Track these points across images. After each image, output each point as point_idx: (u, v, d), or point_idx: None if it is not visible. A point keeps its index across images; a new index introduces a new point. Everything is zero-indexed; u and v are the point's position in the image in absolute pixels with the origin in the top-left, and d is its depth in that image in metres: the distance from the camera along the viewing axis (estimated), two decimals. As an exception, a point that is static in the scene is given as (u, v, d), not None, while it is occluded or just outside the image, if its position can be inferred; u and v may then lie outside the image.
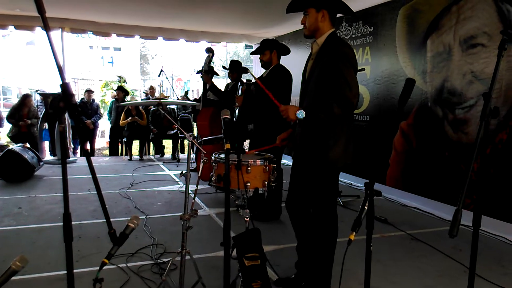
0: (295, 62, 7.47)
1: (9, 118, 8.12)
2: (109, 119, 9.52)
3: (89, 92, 9.48)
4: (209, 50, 5.73)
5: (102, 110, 9.67)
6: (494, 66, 1.66)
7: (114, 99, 9.60)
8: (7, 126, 8.59)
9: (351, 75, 2.37)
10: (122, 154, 9.29)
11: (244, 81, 5.37)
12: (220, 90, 5.77)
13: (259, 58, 4.41)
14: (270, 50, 4.25)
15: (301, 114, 2.31)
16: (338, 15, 2.75)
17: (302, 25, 2.59)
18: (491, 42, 4.04)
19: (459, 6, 4.38)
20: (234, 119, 5.34)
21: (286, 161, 7.93)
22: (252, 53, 4.97)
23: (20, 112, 8.12)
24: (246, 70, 5.75)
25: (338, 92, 2.34)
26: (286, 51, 4.45)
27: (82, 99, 9.38)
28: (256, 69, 8.83)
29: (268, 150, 2.91)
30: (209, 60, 5.76)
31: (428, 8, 4.82)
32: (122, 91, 9.40)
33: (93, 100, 9.50)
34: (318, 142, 2.44)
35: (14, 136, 8.14)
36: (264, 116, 4.22)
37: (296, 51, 7.83)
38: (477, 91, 4.20)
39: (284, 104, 4.29)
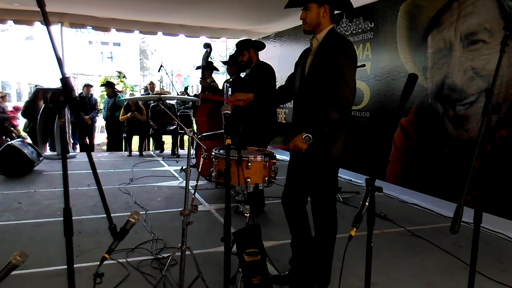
0: (295, 57, 7.48)
1: (25, 113, 8.09)
2: (103, 116, 9.55)
3: (88, 86, 9.40)
4: (207, 46, 5.72)
5: (101, 106, 9.64)
6: (496, 63, 1.65)
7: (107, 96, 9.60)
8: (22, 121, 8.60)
9: (350, 70, 2.37)
10: (115, 150, 9.29)
11: (228, 79, 5.35)
12: (219, 89, 5.76)
13: (239, 60, 4.50)
14: (247, 50, 4.35)
15: (308, 138, 2.33)
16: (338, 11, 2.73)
17: (302, 21, 2.57)
18: (492, 39, 4.03)
19: (460, 2, 4.36)
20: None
21: (286, 157, 7.93)
22: (231, 57, 5.00)
23: (35, 107, 8.10)
24: (244, 68, 5.74)
25: (334, 91, 2.34)
26: (262, 46, 4.53)
27: (80, 93, 9.32)
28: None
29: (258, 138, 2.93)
30: (207, 55, 5.74)
31: (429, 4, 4.80)
32: (109, 86, 9.35)
33: (92, 95, 9.45)
34: (319, 139, 2.43)
35: (30, 132, 8.14)
36: (252, 114, 4.22)
37: (296, 47, 7.81)
38: (478, 88, 4.19)
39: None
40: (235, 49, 4.49)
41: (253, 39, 4.60)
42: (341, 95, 2.32)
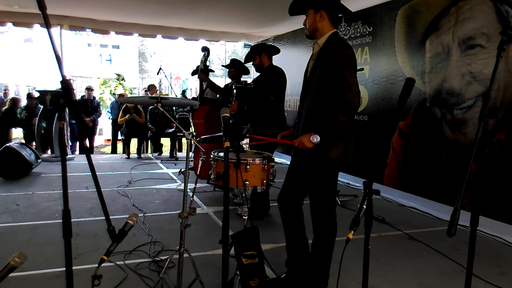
0: (294, 61, 7.51)
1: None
2: (109, 117, 9.55)
3: (89, 89, 9.45)
4: (205, 49, 5.80)
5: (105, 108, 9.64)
6: (493, 67, 1.66)
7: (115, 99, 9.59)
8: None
9: (351, 75, 2.40)
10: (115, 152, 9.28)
11: (242, 80, 5.38)
12: (218, 86, 5.80)
13: (252, 64, 4.57)
14: (258, 54, 4.39)
15: (316, 139, 2.37)
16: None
17: (304, 26, 2.63)
18: (489, 43, 4.05)
19: (458, 7, 4.39)
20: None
21: (285, 160, 7.95)
22: (244, 62, 5.05)
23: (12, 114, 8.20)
24: (247, 71, 5.76)
25: (339, 95, 2.37)
26: (276, 51, 4.55)
27: (82, 96, 9.37)
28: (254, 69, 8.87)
29: (266, 144, 2.98)
30: (205, 58, 5.79)
31: (427, 8, 4.83)
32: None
33: (94, 97, 9.49)
34: (326, 141, 2.45)
35: (25, 135, 8.21)
36: (262, 115, 4.28)
37: (295, 51, 7.84)
38: (475, 92, 4.21)
39: (279, 102, 4.33)
40: (247, 56, 4.56)
41: (252, 43, 4.64)
42: (346, 99, 2.35)
